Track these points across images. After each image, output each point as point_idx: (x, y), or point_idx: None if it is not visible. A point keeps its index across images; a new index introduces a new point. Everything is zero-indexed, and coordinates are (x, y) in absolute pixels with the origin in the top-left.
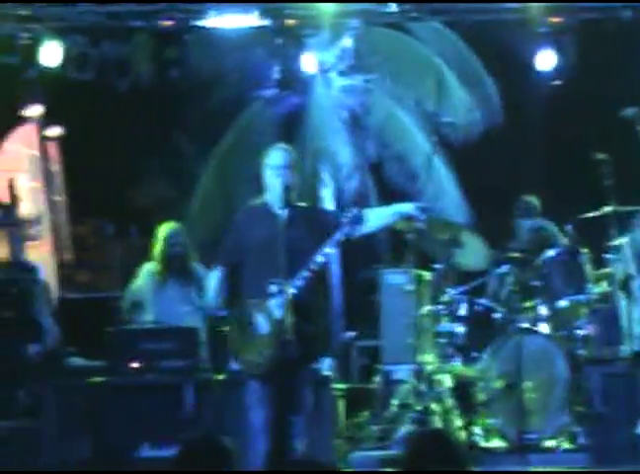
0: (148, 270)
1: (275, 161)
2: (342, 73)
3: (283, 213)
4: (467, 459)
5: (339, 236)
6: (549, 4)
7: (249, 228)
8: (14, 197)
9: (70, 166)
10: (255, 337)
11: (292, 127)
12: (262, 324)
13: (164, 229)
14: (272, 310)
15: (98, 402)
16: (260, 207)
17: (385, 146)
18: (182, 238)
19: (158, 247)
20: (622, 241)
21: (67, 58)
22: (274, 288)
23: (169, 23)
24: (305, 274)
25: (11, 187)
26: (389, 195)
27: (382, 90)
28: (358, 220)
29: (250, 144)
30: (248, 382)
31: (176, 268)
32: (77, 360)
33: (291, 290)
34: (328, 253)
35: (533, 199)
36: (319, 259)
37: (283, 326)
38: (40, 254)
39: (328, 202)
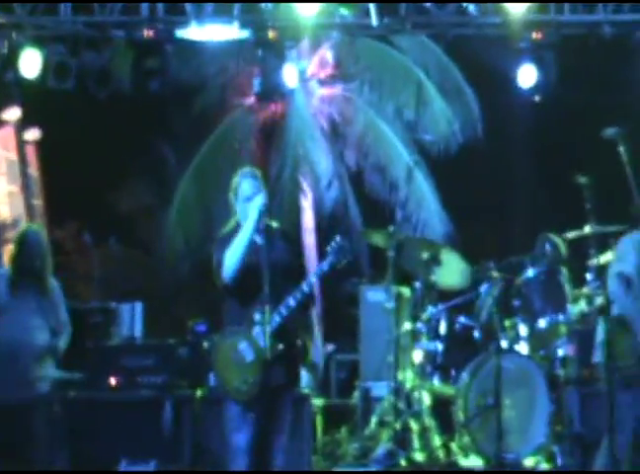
0: (2, 274)
1: (246, 192)
2: (321, 82)
3: (260, 239)
4: None
5: (325, 266)
6: (530, 19)
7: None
8: None
9: (49, 170)
10: (240, 364)
11: (272, 136)
12: (247, 352)
13: (23, 235)
14: (257, 338)
15: (77, 415)
16: (234, 235)
17: (365, 155)
18: (38, 249)
19: (14, 253)
20: (603, 261)
21: (47, 67)
22: (258, 317)
23: (150, 33)
24: (290, 302)
25: None
26: (369, 204)
27: (362, 99)
28: (342, 250)
29: (230, 152)
30: (229, 405)
31: (29, 278)
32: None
33: (277, 318)
34: (312, 282)
35: (561, 242)
36: (304, 289)
37: (268, 354)
38: None
39: (307, 212)
